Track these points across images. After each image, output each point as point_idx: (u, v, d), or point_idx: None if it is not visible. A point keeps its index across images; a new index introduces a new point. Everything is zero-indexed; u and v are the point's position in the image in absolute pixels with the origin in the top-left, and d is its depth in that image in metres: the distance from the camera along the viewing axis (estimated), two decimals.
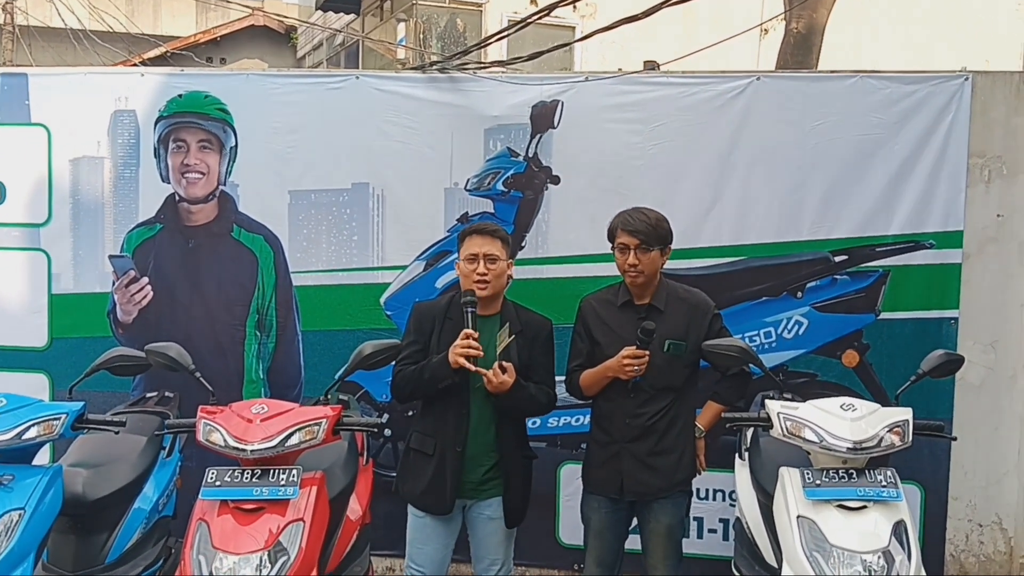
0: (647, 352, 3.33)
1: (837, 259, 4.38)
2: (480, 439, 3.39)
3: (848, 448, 3.12)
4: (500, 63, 4.65)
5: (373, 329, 4.44)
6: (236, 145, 4.64)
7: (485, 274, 3.33)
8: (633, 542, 3.60)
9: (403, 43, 11.06)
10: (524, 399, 3.38)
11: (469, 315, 3.28)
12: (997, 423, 4.38)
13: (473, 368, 3.23)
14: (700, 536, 4.51)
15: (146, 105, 4.70)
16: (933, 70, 4.38)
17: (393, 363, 3.49)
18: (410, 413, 3.61)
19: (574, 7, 11.00)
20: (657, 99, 4.43)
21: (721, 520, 4.49)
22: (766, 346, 4.41)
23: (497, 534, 3.44)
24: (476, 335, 3.24)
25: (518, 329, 3.41)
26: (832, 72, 4.50)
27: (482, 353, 3.25)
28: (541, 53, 4.73)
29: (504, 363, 3.28)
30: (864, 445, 3.12)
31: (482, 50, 7.45)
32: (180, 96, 4.67)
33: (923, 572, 3.05)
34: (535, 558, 4.58)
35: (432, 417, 3.43)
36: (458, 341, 3.25)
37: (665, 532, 3.43)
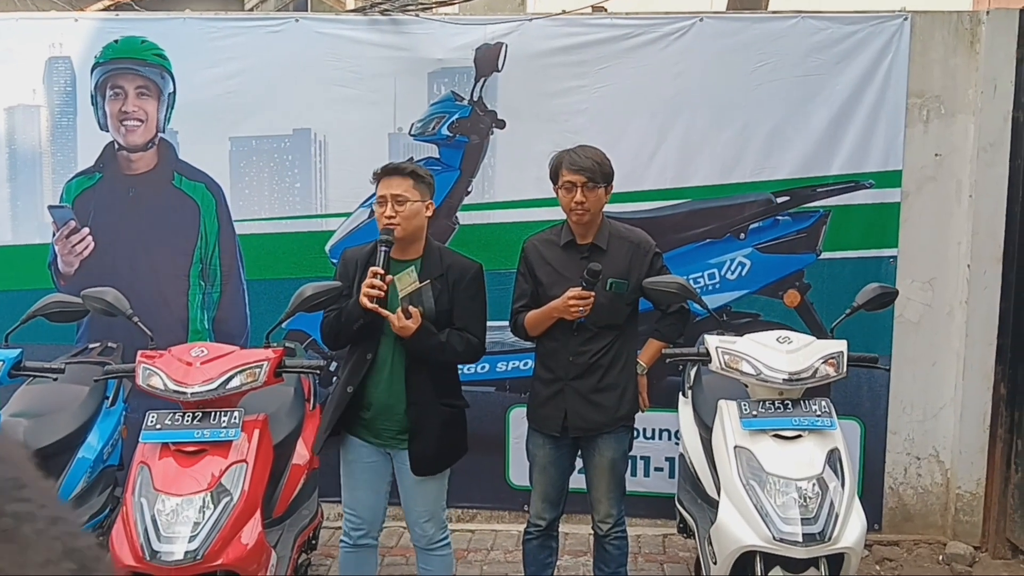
0: (593, 293, 3.30)
1: (779, 200, 4.43)
2: (393, 388, 3.24)
3: (784, 379, 3.18)
4: (445, 3, 4.56)
5: (319, 277, 4.29)
6: (175, 91, 4.55)
7: (393, 216, 3.14)
8: (579, 482, 3.66)
9: None
10: (433, 346, 3.18)
11: (382, 254, 3.13)
12: (934, 359, 4.48)
13: (371, 307, 3.08)
14: (647, 475, 4.60)
15: (82, 51, 4.58)
16: (873, 10, 4.40)
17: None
18: None
19: None
20: (601, 41, 4.42)
21: (667, 459, 4.57)
22: (710, 287, 4.46)
23: (416, 485, 3.30)
24: (383, 273, 3.10)
25: (439, 273, 3.25)
26: (774, 13, 4.51)
27: (382, 294, 3.09)
28: None
29: (410, 308, 3.11)
30: (799, 376, 3.19)
31: None
32: (116, 41, 4.56)
33: (856, 499, 3.14)
34: (485, 500, 4.64)
35: (347, 363, 3.33)
36: (366, 280, 3.11)
37: (608, 466, 3.46)
